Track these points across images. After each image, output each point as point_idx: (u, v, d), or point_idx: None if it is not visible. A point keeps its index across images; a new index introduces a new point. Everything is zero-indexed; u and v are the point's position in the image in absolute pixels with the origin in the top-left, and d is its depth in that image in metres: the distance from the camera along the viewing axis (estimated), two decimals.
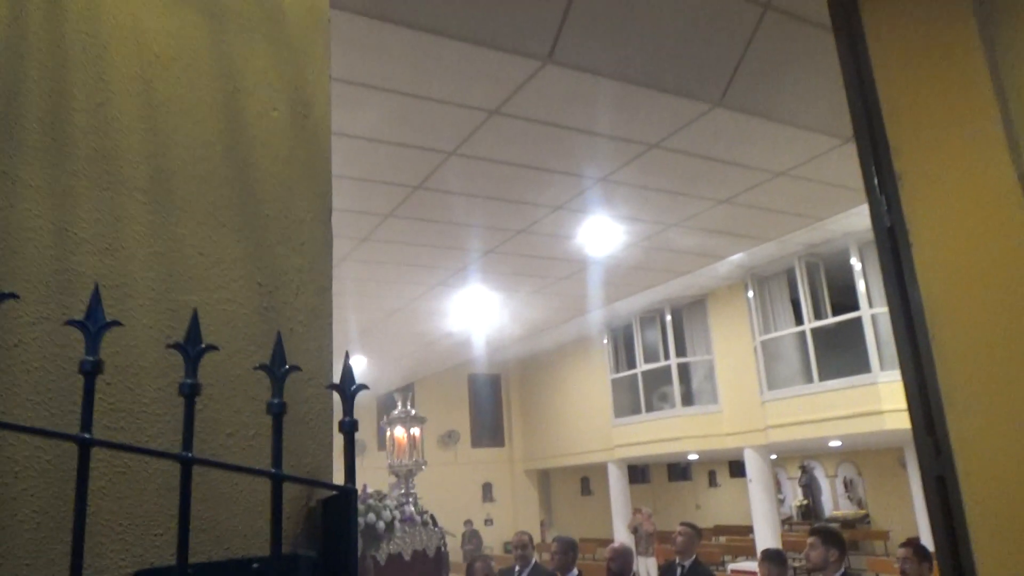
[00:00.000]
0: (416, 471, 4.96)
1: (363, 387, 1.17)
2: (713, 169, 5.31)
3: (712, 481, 21.26)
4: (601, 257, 7.41)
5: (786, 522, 18.48)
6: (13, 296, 0.94)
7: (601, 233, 6.61)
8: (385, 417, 5.66)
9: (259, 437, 1.16)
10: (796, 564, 10.79)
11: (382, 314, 9.36)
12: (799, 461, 19.66)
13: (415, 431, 5.34)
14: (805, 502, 20.30)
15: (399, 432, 5.27)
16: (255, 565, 1.12)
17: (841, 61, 3.19)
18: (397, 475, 4.89)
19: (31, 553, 0.98)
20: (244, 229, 1.27)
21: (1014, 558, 2.37)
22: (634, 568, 5.20)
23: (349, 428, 1.12)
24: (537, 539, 16.76)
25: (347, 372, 1.14)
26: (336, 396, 1.17)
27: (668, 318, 13.65)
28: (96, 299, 0.93)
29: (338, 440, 1.18)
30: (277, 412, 1.06)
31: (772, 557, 5.07)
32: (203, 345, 1.01)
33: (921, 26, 2.93)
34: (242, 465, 1.11)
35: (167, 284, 1.17)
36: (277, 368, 1.08)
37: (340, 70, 3.76)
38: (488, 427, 19.35)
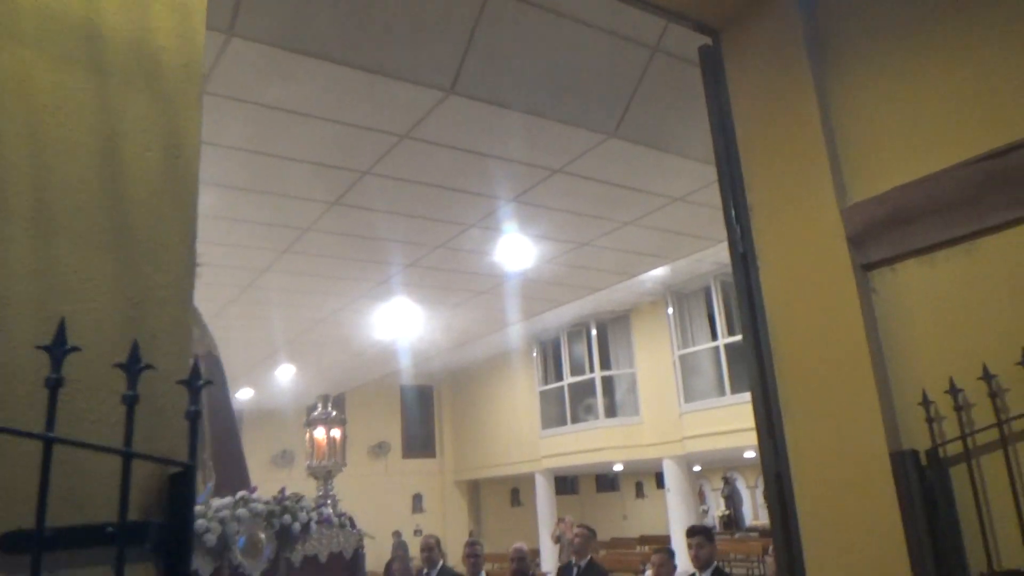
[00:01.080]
0: (336, 472, 5.11)
1: (208, 383, 1.44)
2: (616, 193, 5.70)
3: (639, 492, 21.82)
4: (519, 272, 7.75)
5: None
6: None
7: (516, 250, 6.95)
8: (304, 419, 5.69)
9: (119, 424, 1.41)
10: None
11: (307, 324, 9.51)
12: (722, 472, 20.37)
13: (335, 433, 5.40)
14: (727, 512, 21.00)
15: (319, 434, 5.35)
16: (109, 529, 1.36)
17: (708, 106, 3.59)
18: (316, 476, 5.03)
19: None
20: (116, 251, 1.52)
21: (838, 543, 2.75)
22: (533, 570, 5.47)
23: (192, 416, 1.39)
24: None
25: (194, 371, 1.41)
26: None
27: (594, 332, 14.10)
28: None
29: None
30: (130, 403, 1.32)
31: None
32: (67, 347, 1.26)
33: (769, 76, 3.33)
34: (98, 444, 1.35)
35: (44, 297, 1.41)
36: (132, 366, 1.33)
37: (259, 95, 4.00)
38: (419, 438, 19.49)
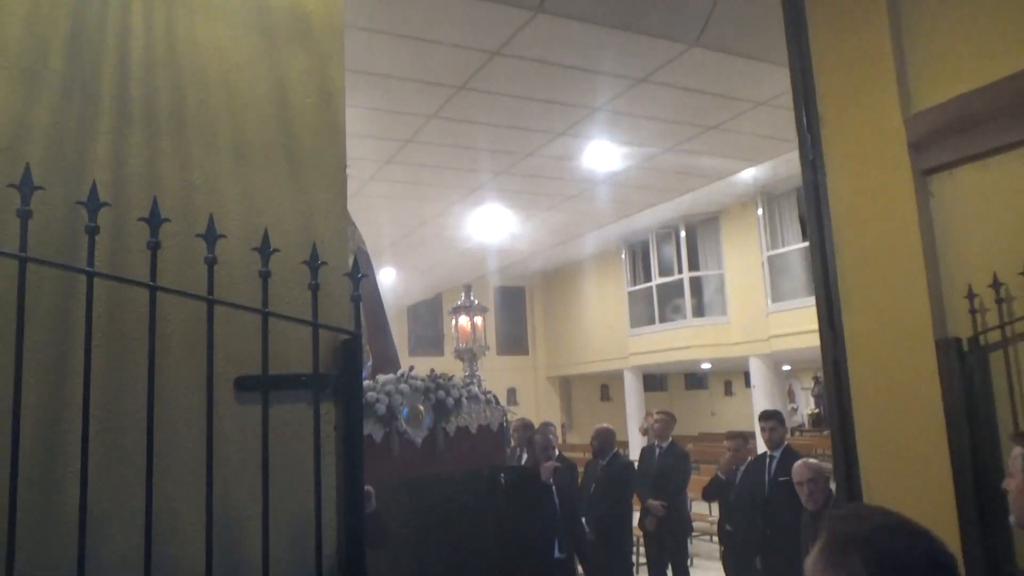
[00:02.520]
0: (480, 354, 5.44)
1: (364, 276, 1.95)
2: (699, 100, 5.87)
3: (728, 390, 22.24)
4: (606, 176, 8.05)
5: (796, 429, 19.44)
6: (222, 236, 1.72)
7: (604, 155, 7.23)
8: (451, 308, 5.99)
9: (306, 304, 1.93)
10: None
11: (407, 229, 10.17)
12: (812, 373, 20.45)
13: (478, 320, 5.81)
14: (816, 411, 21.20)
15: (463, 321, 5.75)
16: (303, 378, 1.91)
17: (784, 16, 3.77)
18: (462, 359, 5.37)
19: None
20: (292, 176, 2.02)
21: (885, 421, 3.12)
22: (615, 445, 6.05)
23: (355, 299, 1.91)
24: (559, 440, 17.97)
25: (354, 265, 1.92)
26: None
27: (683, 233, 14.26)
28: (211, 227, 1.70)
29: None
30: (314, 289, 1.84)
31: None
32: (271, 248, 1.78)
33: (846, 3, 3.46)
34: (296, 317, 1.89)
35: (246, 212, 1.93)
36: (313, 263, 1.85)
37: (364, 20, 4.41)
38: (513, 336, 20.39)
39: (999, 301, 2.80)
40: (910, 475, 3.02)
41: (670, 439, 6.02)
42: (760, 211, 12.63)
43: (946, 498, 2.85)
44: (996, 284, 2.81)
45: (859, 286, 3.35)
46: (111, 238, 1.74)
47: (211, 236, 1.70)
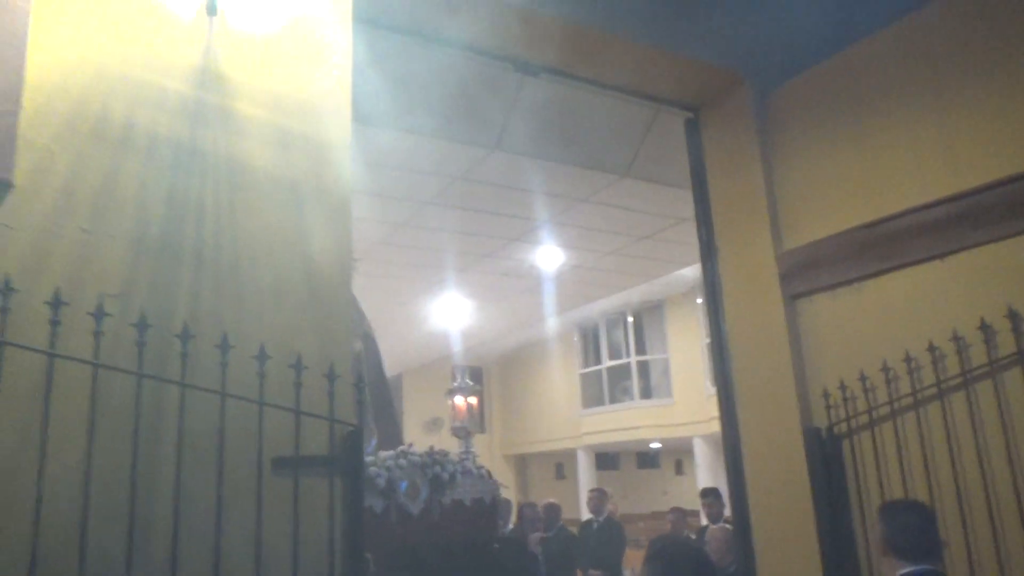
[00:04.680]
0: (474, 432, 5.74)
1: (363, 383, 2.71)
2: (632, 216, 6.87)
3: (678, 469, 22.91)
4: (554, 273, 9.01)
5: None
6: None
7: (551, 257, 8.19)
8: (447, 389, 6.47)
9: (324, 403, 2.65)
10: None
11: (375, 311, 10.96)
12: None
13: (472, 400, 6.24)
14: None
15: (459, 400, 6.17)
16: (320, 459, 2.63)
17: (690, 165, 4.73)
18: (459, 436, 5.64)
19: None
20: (316, 314, 2.79)
21: (769, 488, 3.92)
22: (560, 519, 6.70)
23: (359, 402, 2.67)
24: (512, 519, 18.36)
25: (359, 377, 2.68)
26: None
27: (630, 320, 15.25)
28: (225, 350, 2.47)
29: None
30: (331, 398, 2.59)
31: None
32: (303, 366, 2.54)
33: (731, 147, 4.49)
34: (318, 414, 2.62)
35: (280, 336, 2.69)
36: (332, 377, 2.61)
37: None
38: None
39: (845, 400, 3.67)
40: (789, 535, 3.81)
41: (606, 513, 6.72)
42: (700, 300, 13.70)
43: (812, 552, 3.64)
44: (842, 387, 3.68)
45: (747, 386, 4.22)
46: (205, 359, 2.46)
47: (262, 358, 2.47)
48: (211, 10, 2.51)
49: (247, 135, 2.69)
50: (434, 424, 20.08)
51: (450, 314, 11.27)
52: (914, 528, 2.46)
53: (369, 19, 3.30)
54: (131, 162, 2.43)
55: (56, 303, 2.17)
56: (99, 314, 2.24)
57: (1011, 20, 3.25)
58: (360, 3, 3.12)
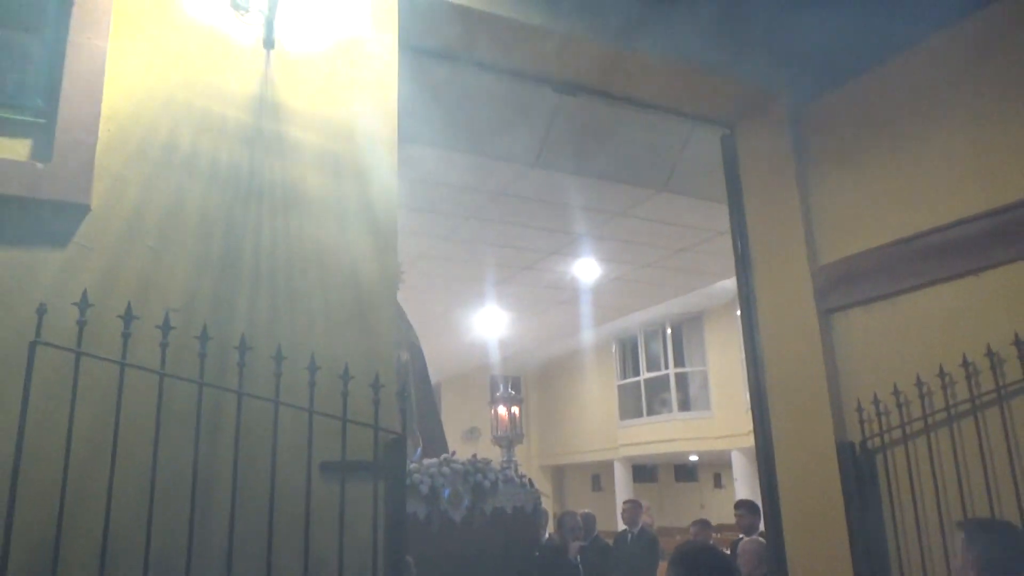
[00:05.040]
0: (516, 441, 5.97)
1: (407, 394, 2.86)
2: (669, 229, 6.94)
3: (717, 482, 22.68)
4: (591, 285, 9.11)
5: None
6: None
7: (589, 270, 8.30)
8: (491, 398, 6.66)
9: (370, 413, 2.80)
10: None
11: (419, 321, 11.19)
12: None
13: (515, 409, 6.43)
14: None
15: (502, 410, 6.36)
16: (365, 462, 2.78)
17: (726, 182, 4.79)
18: (500, 444, 5.87)
19: None
20: (363, 327, 2.95)
21: (802, 502, 3.95)
22: (595, 529, 6.76)
23: (402, 411, 2.81)
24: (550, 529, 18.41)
25: (403, 387, 2.83)
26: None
27: (668, 332, 15.23)
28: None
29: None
30: (376, 406, 2.74)
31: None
32: (349, 376, 2.69)
33: (767, 163, 4.55)
34: (364, 422, 2.77)
35: (328, 349, 2.85)
36: (376, 386, 2.75)
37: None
38: None
39: (879, 415, 3.70)
40: (822, 548, 3.84)
41: (640, 525, 6.77)
42: (739, 313, 13.64)
43: (845, 567, 3.67)
44: (876, 401, 3.72)
45: (782, 399, 4.27)
46: (261, 369, 2.63)
47: (312, 368, 2.63)
48: (268, 43, 2.69)
49: (300, 159, 2.87)
50: (471, 434, 20.23)
51: (489, 325, 11.43)
52: (1013, 548, 2.35)
53: (414, 46, 3.47)
54: (195, 185, 2.62)
55: (128, 317, 2.35)
56: (165, 327, 2.42)
57: None
58: (405, 32, 3.29)
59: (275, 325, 2.75)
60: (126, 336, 2.35)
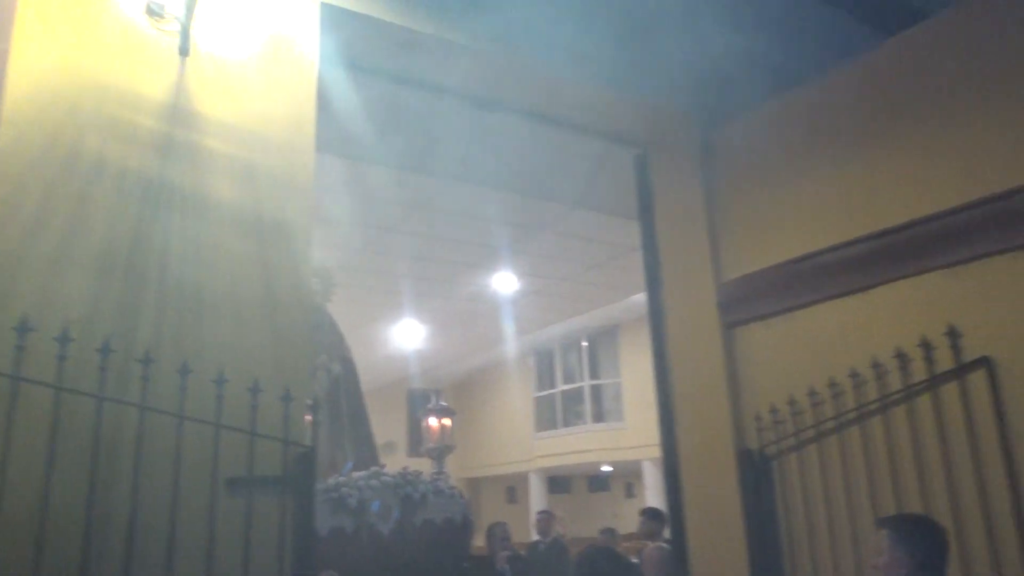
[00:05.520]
0: (446, 453, 5.87)
1: (318, 407, 2.84)
2: (585, 244, 7.12)
3: (628, 492, 23.14)
4: (509, 298, 9.21)
5: None
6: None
7: (506, 283, 8.40)
8: (421, 410, 6.48)
9: (280, 426, 2.77)
10: None
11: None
12: None
13: (445, 421, 6.27)
14: None
15: (432, 421, 6.18)
16: (273, 477, 2.73)
17: (637, 199, 4.96)
18: (431, 457, 5.76)
19: None
20: (274, 339, 2.91)
21: (704, 506, 4.10)
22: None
23: (314, 425, 2.79)
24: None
25: (316, 401, 2.81)
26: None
27: (585, 344, 15.49)
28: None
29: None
30: (286, 419, 2.71)
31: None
32: (259, 391, 2.66)
33: (677, 183, 4.70)
34: (274, 436, 2.73)
35: (242, 365, 2.80)
36: (288, 400, 2.73)
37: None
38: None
39: (775, 423, 3.90)
40: (722, 552, 4.01)
41: (552, 535, 6.86)
42: None
43: (742, 569, 3.84)
44: (774, 411, 3.91)
45: (687, 409, 4.44)
46: (166, 383, 2.56)
47: (220, 382, 2.58)
48: (184, 50, 2.64)
49: (214, 168, 2.82)
50: (388, 448, 19.98)
51: (407, 338, 11.37)
52: (941, 543, 2.35)
53: (333, 58, 3.47)
54: (100, 194, 2.54)
55: (22, 328, 2.26)
56: (63, 339, 2.34)
57: (933, 76, 3.55)
58: (325, 44, 3.28)
59: (182, 338, 2.69)
60: (19, 348, 2.26)
